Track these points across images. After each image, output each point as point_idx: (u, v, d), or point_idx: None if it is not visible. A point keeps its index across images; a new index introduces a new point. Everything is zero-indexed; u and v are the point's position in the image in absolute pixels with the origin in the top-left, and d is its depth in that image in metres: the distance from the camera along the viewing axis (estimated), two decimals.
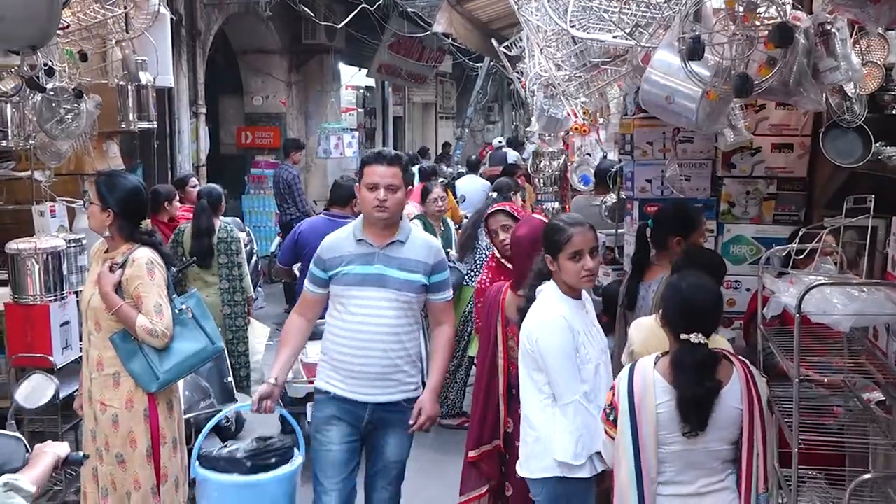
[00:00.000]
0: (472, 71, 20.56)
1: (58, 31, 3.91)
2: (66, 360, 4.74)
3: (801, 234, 2.90)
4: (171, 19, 5.59)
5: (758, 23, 2.57)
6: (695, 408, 2.62)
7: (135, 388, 3.61)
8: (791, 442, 2.53)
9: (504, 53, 7.15)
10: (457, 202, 10.20)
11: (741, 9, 2.58)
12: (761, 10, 2.54)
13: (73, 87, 4.37)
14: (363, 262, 3.56)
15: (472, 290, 6.01)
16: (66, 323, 4.77)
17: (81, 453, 2.71)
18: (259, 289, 9.83)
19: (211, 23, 10.03)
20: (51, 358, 4.62)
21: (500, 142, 18.20)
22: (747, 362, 2.72)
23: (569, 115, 4.33)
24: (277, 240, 11.02)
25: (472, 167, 12.14)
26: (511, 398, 3.67)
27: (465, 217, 10.51)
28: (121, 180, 3.72)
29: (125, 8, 4.25)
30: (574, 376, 3.03)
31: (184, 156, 9.27)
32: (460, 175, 13.87)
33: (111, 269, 3.62)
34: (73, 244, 4.89)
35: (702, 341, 2.61)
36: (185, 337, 3.67)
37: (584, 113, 5.42)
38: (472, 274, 6.00)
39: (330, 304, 3.71)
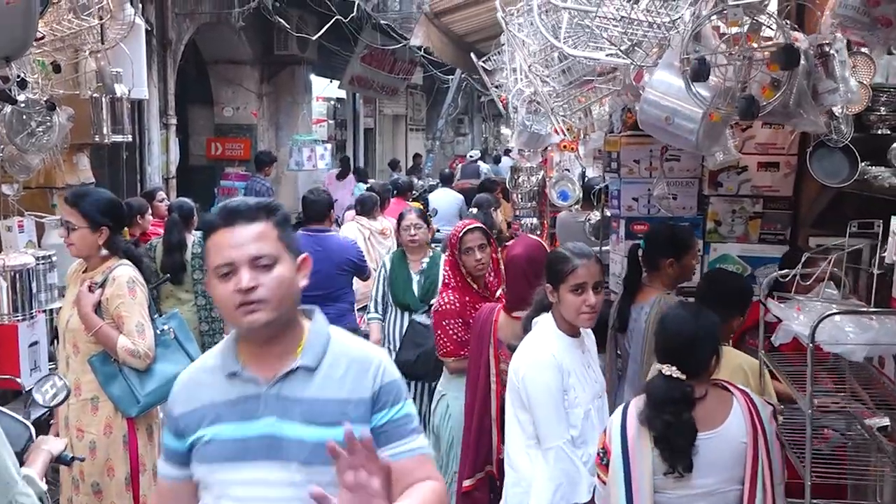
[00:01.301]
0: (443, 83, 20.55)
1: (34, 43, 3.79)
2: (35, 381, 4.55)
3: (804, 258, 2.84)
4: (146, 30, 5.44)
5: (755, 44, 2.54)
6: (670, 447, 2.49)
7: (114, 414, 3.49)
8: (802, 474, 2.46)
9: (483, 68, 7.11)
10: (429, 216, 10.13)
11: (744, 30, 2.54)
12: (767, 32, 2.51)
13: (45, 99, 4.23)
14: (240, 415, 1.96)
15: None
16: (35, 343, 4.59)
17: (70, 455, 2.65)
18: None
19: (182, 32, 9.87)
20: (18, 380, 4.43)
21: (472, 155, 18.18)
22: (748, 391, 2.64)
23: (555, 131, 4.27)
24: None
25: (445, 180, 12.07)
26: (505, 423, 3.58)
27: (438, 231, 10.47)
28: (101, 195, 3.67)
29: (101, 18, 4.10)
30: (560, 420, 2.88)
31: (153, 168, 9.08)
32: (432, 188, 13.82)
33: (90, 289, 3.51)
34: (43, 261, 4.72)
35: (674, 374, 2.51)
36: (167, 358, 3.56)
37: (568, 129, 5.38)
38: None
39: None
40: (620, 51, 3.12)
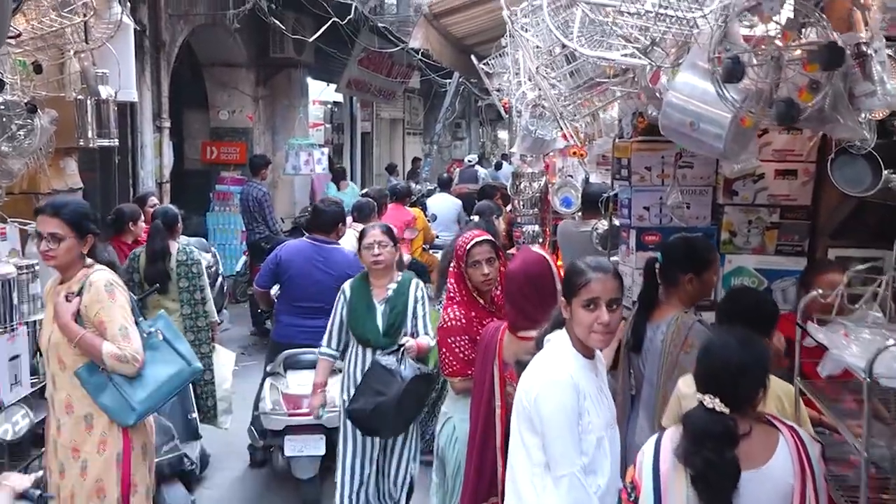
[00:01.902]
0: (441, 87, 20.34)
1: (9, 41, 3.55)
2: (16, 396, 4.29)
3: (847, 277, 2.60)
4: (135, 30, 5.19)
5: (793, 42, 2.31)
6: (709, 488, 2.25)
7: (109, 429, 3.29)
8: None
9: (484, 71, 6.89)
10: (428, 221, 9.90)
11: (779, 27, 2.31)
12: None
13: (25, 100, 3.99)
14: None
15: None
16: (16, 357, 4.33)
17: (38, 492, 2.44)
18: (224, 310, 9.42)
19: (176, 34, 9.63)
20: None
21: (470, 160, 17.98)
22: (796, 427, 2.39)
23: (563, 137, 4.04)
24: (244, 259, 10.64)
25: (444, 185, 11.83)
26: (508, 449, 3.34)
27: (437, 237, 10.24)
28: (80, 202, 3.61)
29: (84, 16, 3.86)
30: (574, 445, 2.60)
31: (146, 172, 8.84)
32: (430, 193, 13.59)
33: (67, 299, 3.32)
34: (25, 270, 4.46)
35: (717, 407, 2.26)
36: (158, 361, 3.37)
37: (575, 133, 5.15)
38: None
39: None
40: (638, 50, 2.89)
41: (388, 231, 4.55)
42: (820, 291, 2.69)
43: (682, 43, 2.76)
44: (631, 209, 4.24)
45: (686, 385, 2.89)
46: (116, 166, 8.48)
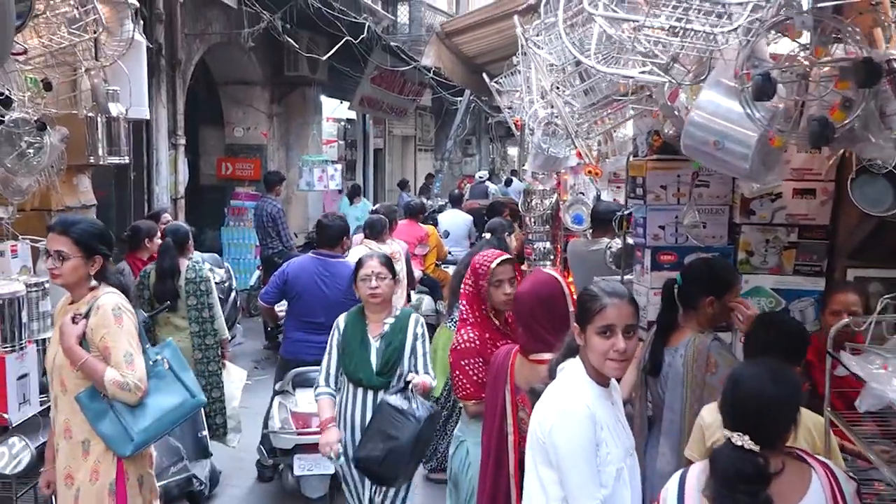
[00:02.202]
0: (452, 105, 20.24)
1: (16, 57, 3.42)
2: (24, 416, 4.14)
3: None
4: (148, 48, 5.07)
5: (826, 58, 2.14)
6: None
7: (103, 457, 3.10)
8: None
9: (496, 89, 6.75)
10: (441, 237, 9.74)
11: (807, 43, 2.15)
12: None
13: (35, 118, 3.85)
14: None
15: None
16: (25, 376, 4.18)
17: None
18: (238, 325, 9.28)
19: (192, 53, 9.54)
20: (5, 415, 4.04)
21: (480, 176, 17.83)
22: (829, 464, 2.20)
23: (578, 155, 3.88)
24: (257, 273, 10.52)
25: (455, 201, 11.67)
26: (523, 477, 3.15)
27: (450, 253, 10.07)
28: (92, 222, 3.37)
29: (94, 33, 3.73)
30: (593, 479, 2.41)
31: (161, 188, 8.73)
32: (441, 208, 13.44)
33: (73, 320, 3.15)
34: (35, 288, 4.32)
35: (747, 445, 2.07)
36: (161, 390, 3.18)
37: (588, 152, 4.99)
38: None
39: None
40: (657, 67, 2.73)
41: (386, 262, 4.13)
42: (850, 318, 2.50)
43: (702, 60, 2.60)
44: (646, 228, 4.07)
45: (709, 414, 2.71)
46: (132, 182, 8.39)
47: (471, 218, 11.17)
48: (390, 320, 4.07)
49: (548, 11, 4.19)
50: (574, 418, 2.44)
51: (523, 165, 6.82)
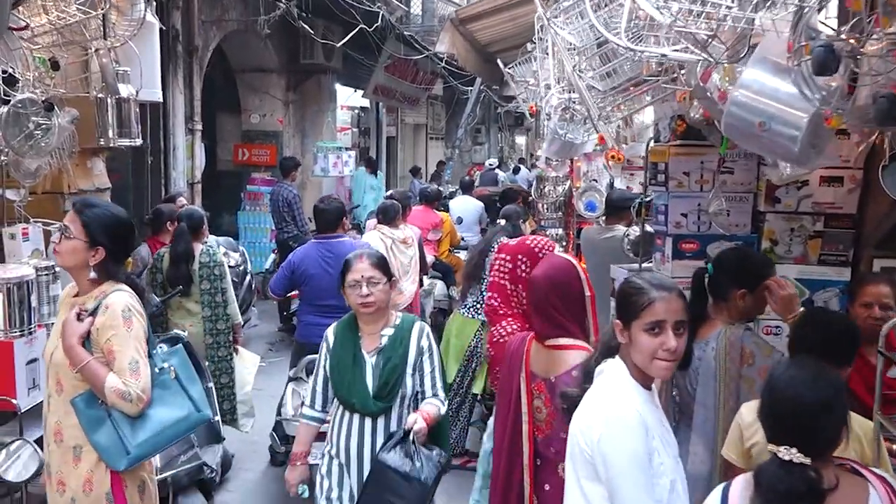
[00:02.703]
0: (462, 94, 19.89)
1: (20, 34, 3.15)
2: (33, 401, 3.92)
3: None
4: (161, 29, 4.80)
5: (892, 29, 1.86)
6: None
7: (96, 465, 2.74)
8: None
9: (510, 75, 6.46)
10: (454, 224, 9.48)
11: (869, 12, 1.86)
12: None
13: (43, 98, 3.59)
14: None
15: (477, 324, 5.28)
16: (34, 360, 3.96)
17: None
18: (253, 308, 9.05)
19: (209, 40, 9.25)
20: (14, 400, 3.82)
21: (490, 163, 17.54)
22: (887, 477, 1.92)
23: (600, 140, 3.60)
24: (272, 256, 10.30)
25: (466, 187, 11.37)
26: (538, 470, 2.89)
27: (463, 239, 9.80)
28: (112, 212, 2.90)
29: (102, 9, 3.45)
30: (648, 493, 2.08)
31: (178, 172, 8.47)
32: (451, 195, 13.16)
33: (79, 317, 2.79)
34: (45, 272, 4.08)
35: (796, 459, 1.80)
36: (165, 402, 2.80)
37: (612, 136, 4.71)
38: (478, 307, 5.24)
39: None
40: (692, 44, 2.45)
41: (379, 263, 3.28)
42: None
43: (742, 35, 2.32)
44: (668, 216, 3.79)
45: (749, 412, 2.44)
46: (149, 167, 8.14)
47: (482, 204, 10.90)
48: (388, 331, 3.24)
49: None
50: (625, 426, 2.11)
51: (537, 152, 6.54)
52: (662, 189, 3.83)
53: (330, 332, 3.33)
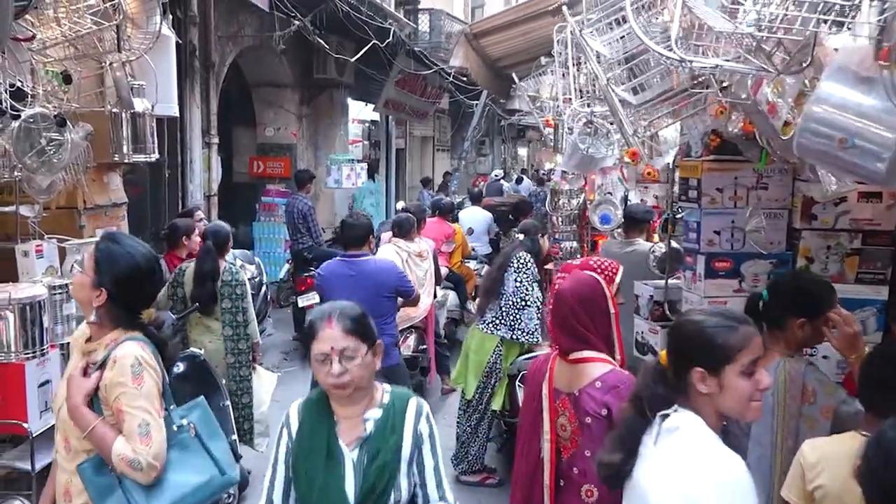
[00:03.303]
0: (468, 108, 19.63)
1: (28, 45, 2.85)
2: (45, 425, 3.62)
3: None
4: (180, 45, 4.48)
5: None
6: None
7: None
8: None
9: (523, 88, 6.17)
10: (465, 235, 9.16)
11: None
12: None
13: (55, 113, 3.28)
14: None
15: (496, 340, 4.97)
16: (46, 383, 3.67)
17: None
18: (269, 318, 8.74)
19: (225, 55, 8.97)
20: (25, 424, 3.52)
21: (496, 174, 17.24)
22: None
23: (633, 155, 3.28)
24: (286, 266, 10.01)
25: (475, 198, 11.05)
26: (560, 491, 2.63)
27: (474, 250, 9.49)
28: (127, 252, 2.40)
29: (116, 20, 3.15)
30: None
31: (195, 185, 8.17)
32: (460, 205, 12.86)
33: (85, 372, 2.36)
34: (59, 290, 3.76)
35: None
36: (184, 465, 2.35)
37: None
38: (497, 322, 4.92)
39: None
40: (757, 53, 2.14)
41: (356, 327, 2.17)
42: None
43: (803, 45, 2.01)
44: (700, 233, 3.47)
45: (812, 451, 2.12)
46: (166, 180, 7.85)
47: (490, 215, 10.60)
48: (374, 414, 2.21)
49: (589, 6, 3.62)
50: (742, 492, 1.74)
51: (545, 165, 6.25)
52: (694, 205, 3.51)
53: (294, 412, 2.28)
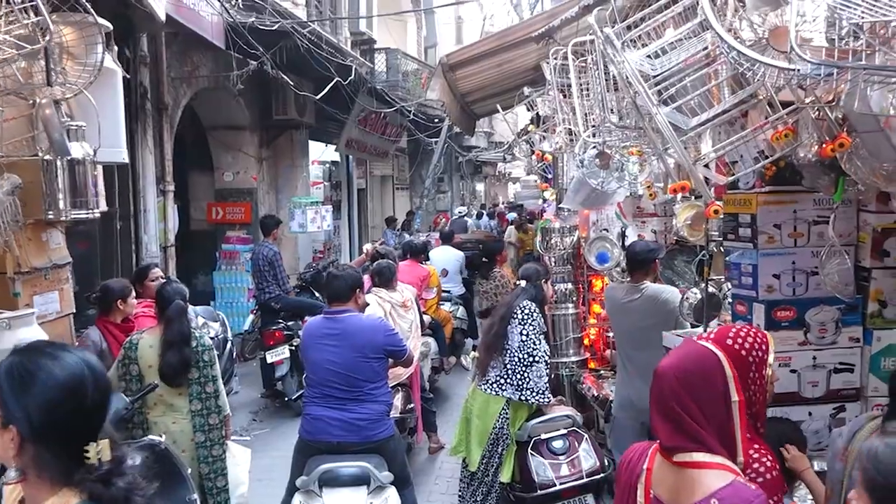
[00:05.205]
0: (427, 146, 19.14)
1: None
2: None
3: None
4: (126, 81, 3.78)
5: None
6: None
7: None
8: None
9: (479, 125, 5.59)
10: (440, 276, 8.51)
11: None
12: None
13: None
14: None
15: (501, 402, 4.30)
16: None
17: None
18: (235, 377, 7.89)
19: (179, 97, 8.24)
20: None
21: (460, 211, 16.73)
22: None
23: (673, 191, 2.70)
24: (251, 317, 9.21)
25: (446, 238, 10.39)
26: None
27: (448, 292, 8.84)
28: (44, 370, 1.56)
29: (46, 51, 2.45)
30: None
31: (150, 237, 7.37)
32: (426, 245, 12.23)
33: None
34: None
35: None
36: None
37: (650, 187, 3.83)
38: (502, 382, 4.25)
39: None
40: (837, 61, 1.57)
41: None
42: None
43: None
44: (757, 278, 2.88)
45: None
46: (118, 232, 7.04)
47: (462, 254, 9.99)
48: None
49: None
50: None
51: (500, 201, 5.63)
52: (748, 245, 2.93)
53: None
